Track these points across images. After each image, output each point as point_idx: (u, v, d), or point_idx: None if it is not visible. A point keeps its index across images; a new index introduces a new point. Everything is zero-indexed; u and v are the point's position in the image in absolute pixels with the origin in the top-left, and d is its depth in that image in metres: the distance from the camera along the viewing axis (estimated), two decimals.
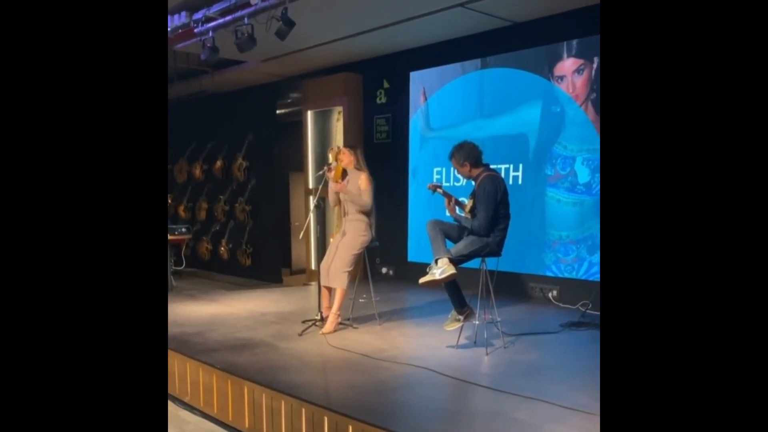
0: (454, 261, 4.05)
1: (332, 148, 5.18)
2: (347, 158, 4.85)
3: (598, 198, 5.50)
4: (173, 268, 7.49)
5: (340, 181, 4.86)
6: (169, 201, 9.68)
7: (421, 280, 4.07)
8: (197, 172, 9.32)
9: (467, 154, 4.20)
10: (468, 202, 4.26)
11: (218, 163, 8.92)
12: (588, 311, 5.28)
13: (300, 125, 7.94)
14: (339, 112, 7.57)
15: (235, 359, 4.05)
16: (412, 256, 7.10)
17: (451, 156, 4.28)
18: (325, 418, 3.15)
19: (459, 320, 4.25)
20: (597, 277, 5.50)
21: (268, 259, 8.21)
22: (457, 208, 4.28)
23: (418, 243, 6.96)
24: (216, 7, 5.62)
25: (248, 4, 5.30)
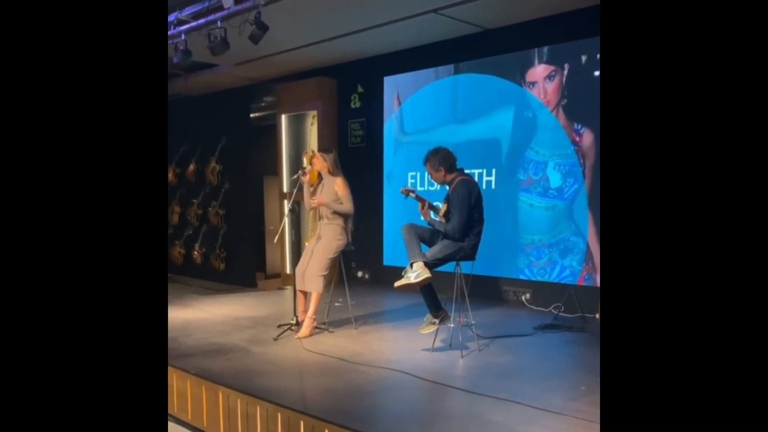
0: (429, 265, 4.08)
1: (307, 152, 5.18)
2: (320, 163, 4.85)
3: (569, 202, 5.59)
4: None
5: (315, 185, 4.87)
6: None
7: (397, 284, 4.10)
8: (170, 175, 9.22)
9: (442, 159, 4.25)
10: (442, 207, 4.30)
11: (191, 167, 8.85)
12: (560, 314, 5.36)
13: (274, 129, 7.92)
14: (313, 116, 7.56)
15: (210, 364, 4.02)
16: (388, 260, 7.13)
17: (426, 161, 4.32)
18: (301, 423, 3.15)
19: (434, 323, 4.28)
20: (569, 280, 5.59)
21: (243, 264, 8.16)
22: (431, 212, 4.32)
23: (394, 247, 6.99)
24: (188, 10, 5.58)
25: (221, 8, 5.28)
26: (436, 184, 4.51)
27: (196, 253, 8.78)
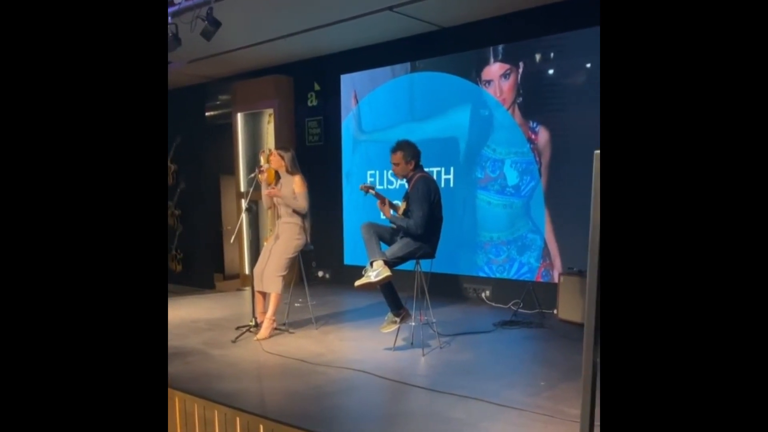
0: (389, 263, 4.07)
1: (264, 151, 5.10)
2: (277, 161, 4.78)
3: (526, 200, 5.65)
4: None
5: (273, 184, 4.80)
6: None
7: (357, 283, 4.08)
8: None
9: (414, 153, 4.24)
10: (401, 205, 4.30)
11: None
12: (519, 310, 5.41)
13: (230, 127, 7.81)
14: (270, 115, 7.48)
15: None
16: (348, 259, 7.09)
17: (398, 149, 4.26)
18: (261, 426, 3.10)
19: (395, 322, 4.28)
20: (527, 277, 5.65)
21: (200, 265, 8.04)
22: (390, 210, 4.31)
23: (354, 246, 6.96)
24: None
25: (172, 3, 5.17)
26: (395, 181, 4.51)
27: None
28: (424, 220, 4.09)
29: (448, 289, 6.11)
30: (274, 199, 4.77)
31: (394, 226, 4.26)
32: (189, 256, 8.18)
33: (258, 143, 7.67)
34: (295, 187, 4.71)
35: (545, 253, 5.55)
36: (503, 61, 5.80)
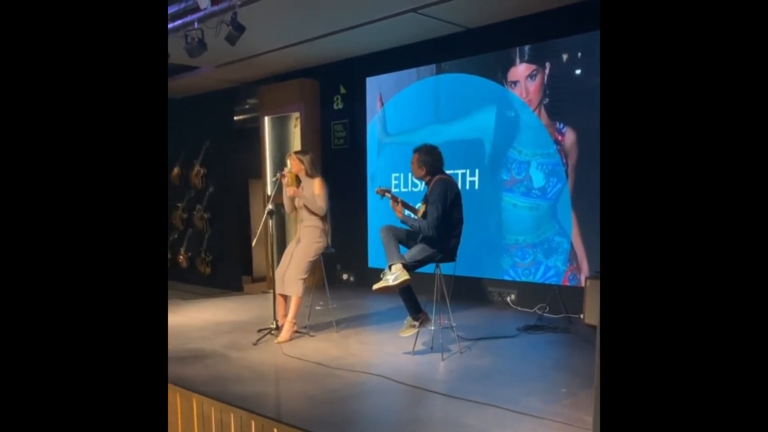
0: (408, 267, 4.03)
1: (290, 154, 5.11)
2: (297, 165, 4.78)
3: (553, 202, 5.55)
4: None
5: (294, 186, 4.81)
6: None
7: (375, 286, 4.04)
8: None
9: (431, 161, 4.20)
10: (421, 207, 4.24)
11: (176, 171, 8.79)
12: (545, 315, 5.31)
13: (258, 131, 7.87)
14: (296, 118, 7.51)
15: (186, 371, 3.95)
16: (373, 262, 7.07)
17: (414, 152, 4.26)
18: (275, 430, 3.09)
19: (414, 326, 4.23)
20: (553, 281, 5.54)
21: (228, 267, 8.11)
22: (404, 210, 4.25)
23: (378, 249, 6.90)
24: None
25: (198, 9, 5.22)
26: (419, 184, 4.46)
27: (181, 257, 8.72)
28: (438, 221, 4.03)
29: (472, 292, 6.03)
30: (295, 201, 4.78)
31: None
32: (218, 258, 8.26)
33: (285, 147, 7.71)
34: (314, 189, 4.71)
35: (572, 257, 5.44)
36: (529, 61, 5.71)
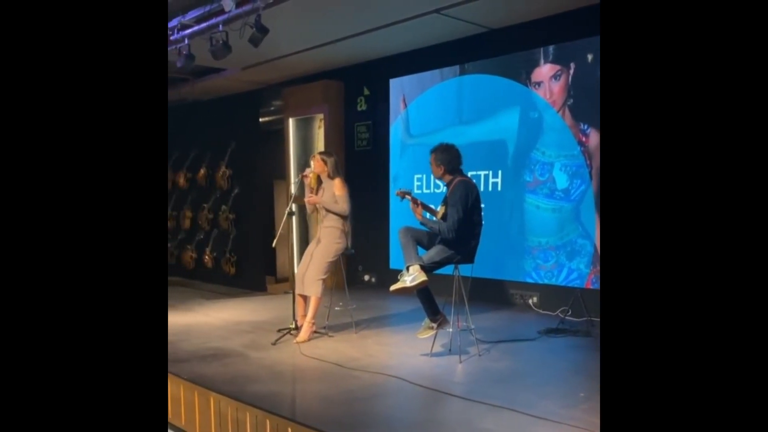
0: (426, 268, 4.00)
1: (315, 155, 5.13)
2: (320, 166, 4.80)
3: (576, 204, 5.47)
4: None
5: (315, 188, 4.83)
6: None
7: (392, 288, 4.03)
8: (181, 180, 9.26)
9: (448, 159, 4.17)
10: (440, 209, 4.22)
11: (202, 172, 8.87)
12: (567, 318, 5.24)
13: (282, 133, 7.91)
14: (320, 120, 7.54)
15: (204, 370, 3.99)
16: (394, 263, 7.05)
17: (432, 151, 4.24)
18: (289, 430, 3.09)
19: (432, 328, 4.20)
20: (576, 283, 5.47)
21: (252, 268, 8.15)
22: (425, 212, 4.23)
23: (400, 250, 6.89)
24: (191, 15, 5.59)
25: (223, 12, 5.27)
26: (441, 185, 4.43)
27: (207, 257, 8.79)
28: (458, 224, 4.00)
29: (494, 295, 5.98)
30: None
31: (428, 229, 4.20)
32: (242, 259, 8.32)
33: (308, 148, 7.74)
34: (335, 190, 4.72)
35: (595, 259, 5.35)
36: (554, 62, 5.64)
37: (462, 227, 4.01)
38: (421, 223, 4.18)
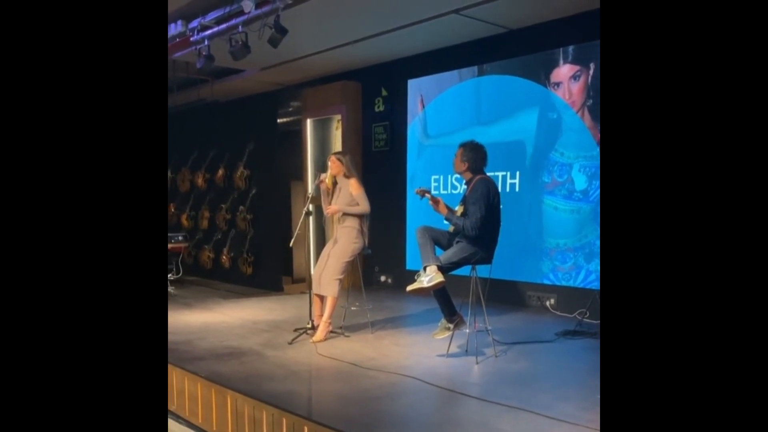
0: (443, 268, 3.99)
1: (330, 157, 5.15)
2: (336, 166, 4.81)
3: (595, 205, 5.43)
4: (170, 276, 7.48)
5: (331, 189, 4.85)
6: (172, 210, 9.72)
7: (409, 288, 4.02)
8: (199, 180, 9.34)
9: (474, 158, 4.14)
10: (458, 208, 4.20)
11: (220, 172, 8.94)
12: (585, 320, 5.19)
13: (300, 133, 7.94)
14: (338, 120, 7.55)
15: (221, 368, 4.01)
16: (411, 264, 7.04)
17: (460, 146, 4.22)
18: (305, 428, 3.10)
19: (448, 329, 4.19)
20: (594, 285, 5.42)
21: (269, 268, 8.19)
22: (446, 208, 4.20)
23: (417, 251, 6.87)
24: (211, 16, 5.63)
25: (243, 13, 5.31)
26: (458, 185, 4.41)
27: (224, 257, 8.85)
28: (481, 222, 3.97)
29: (511, 296, 5.95)
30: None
31: (451, 228, 4.18)
32: (259, 259, 8.36)
33: (326, 149, 7.76)
34: (352, 189, 4.73)
35: None
36: (573, 62, 5.61)
37: (485, 225, 3.99)
38: (446, 219, 4.16)
